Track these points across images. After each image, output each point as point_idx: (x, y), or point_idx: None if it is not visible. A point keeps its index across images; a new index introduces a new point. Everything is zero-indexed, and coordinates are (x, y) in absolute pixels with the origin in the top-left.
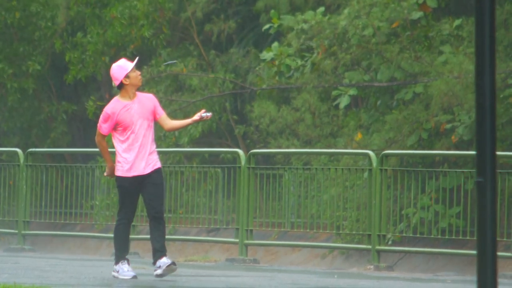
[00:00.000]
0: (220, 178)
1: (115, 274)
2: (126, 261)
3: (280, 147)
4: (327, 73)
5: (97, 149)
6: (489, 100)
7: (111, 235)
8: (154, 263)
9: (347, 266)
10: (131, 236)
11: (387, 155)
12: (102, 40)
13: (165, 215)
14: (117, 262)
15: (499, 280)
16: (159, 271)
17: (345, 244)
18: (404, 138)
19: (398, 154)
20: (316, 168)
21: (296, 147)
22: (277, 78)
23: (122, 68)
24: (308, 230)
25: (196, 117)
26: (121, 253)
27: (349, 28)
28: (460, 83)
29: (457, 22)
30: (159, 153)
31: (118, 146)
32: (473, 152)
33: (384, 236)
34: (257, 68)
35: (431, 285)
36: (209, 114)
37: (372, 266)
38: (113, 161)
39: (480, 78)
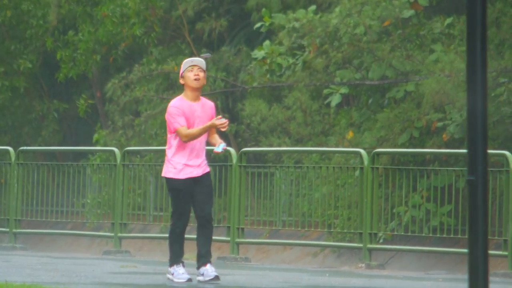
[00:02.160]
0: (211, 177)
1: (170, 276)
2: (181, 264)
3: (271, 146)
4: (319, 71)
5: (87, 147)
6: (480, 98)
7: (102, 233)
8: (198, 268)
9: (339, 264)
10: (122, 235)
11: (378, 154)
12: (94, 38)
13: (157, 213)
14: (171, 265)
15: (490, 278)
16: (201, 278)
17: (336, 243)
18: (396, 136)
19: (389, 153)
20: (307, 167)
21: (287, 146)
22: (268, 76)
23: (183, 65)
24: (299, 229)
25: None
26: (176, 257)
27: (341, 26)
28: (451, 82)
29: (449, 20)
30: (151, 151)
31: (173, 147)
32: (464, 151)
33: (376, 234)
34: (248, 67)
35: (423, 284)
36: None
37: (363, 265)
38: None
39: (472, 76)
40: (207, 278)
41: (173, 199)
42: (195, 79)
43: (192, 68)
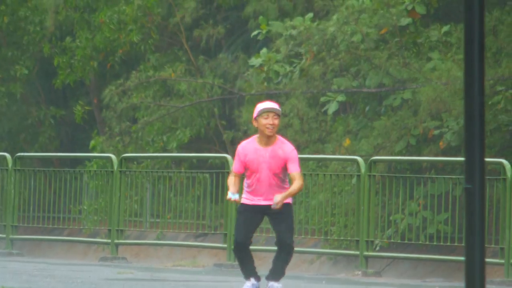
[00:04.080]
0: (208, 183)
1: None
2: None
3: None
4: (316, 79)
5: (84, 154)
6: (478, 106)
7: (99, 239)
8: (267, 279)
9: (335, 271)
10: (119, 241)
11: (375, 161)
12: (91, 44)
13: (153, 220)
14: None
15: (487, 286)
16: None
17: (333, 250)
18: (392, 144)
19: (386, 160)
20: (304, 174)
21: None
22: (265, 84)
23: (257, 108)
24: (296, 236)
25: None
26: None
27: (338, 34)
28: (448, 90)
29: (446, 28)
30: (148, 157)
31: (245, 183)
32: (461, 159)
33: (372, 242)
34: (245, 74)
35: None
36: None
37: (360, 272)
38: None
39: (469, 84)
40: None
41: None
42: (268, 128)
43: (268, 115)
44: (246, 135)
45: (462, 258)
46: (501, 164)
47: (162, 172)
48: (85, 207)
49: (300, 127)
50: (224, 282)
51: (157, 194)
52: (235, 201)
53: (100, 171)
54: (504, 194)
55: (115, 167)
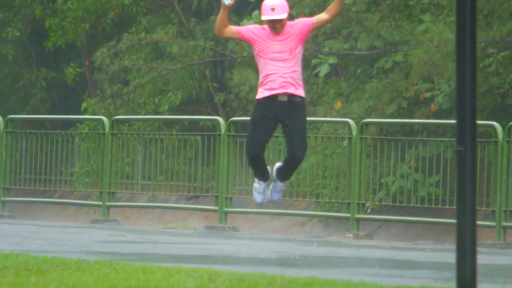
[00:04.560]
0: (199, 146)
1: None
2: (258, 180)
3: None
4: (307, 41)
5: (76, 116)
6: (469, 69)
7: (90, 202)
8: (274, 175)
9: (326, 234)
10: (110, 203)
11: (366, 124)
12: (82, 6)
13: (145, 182)
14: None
15: (478, 249)
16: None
17: (324, 212)
18: (384, 106)
19: (377, 123)
20: None
21: None
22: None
23: (262, 6)
24: (287, 198)
25: None
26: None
27: None
28: (440, 52)
29: None
30: (140, 120)
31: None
32: (453, 121)
33: (363, 204)
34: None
35: (410, 254)
36: None
37: (351, 234)
38: None
39: (461, 47)
40: (276, 188)
41: None
42: (276, 30)
43: (272, 23)
44: (238, 97)
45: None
46: (492, 126)
47: (154, 134)
48: (77, 170)
49: None
50: (215, 245)
51: (148, 156)
52: (228, 5)
53: (92, 133)
54: (495, 156)
55: (107, 129)
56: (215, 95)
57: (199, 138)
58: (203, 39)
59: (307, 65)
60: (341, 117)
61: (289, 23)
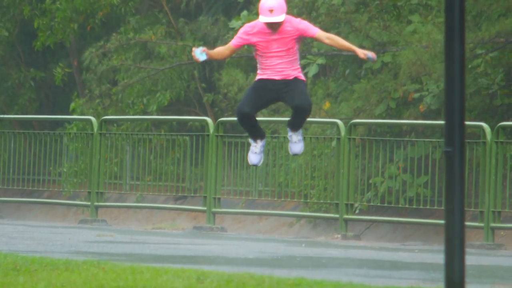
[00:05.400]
0: (188, 146)
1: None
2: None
3: None
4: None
5: (64, 116)
6: (458, 70)
7: (79, 202)
8: (288, 126)
9: (315, 234)
10: (98, 204)
11: (355, 124)
12: (71, 7)
13: (133, 182)
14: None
15: (466, 250)
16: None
17: (312, 213)
18: (372, 107)
19: (366, 123)
20: (284, 137)
21: (264, 116)
22: (245, 46)
23: (259, 6)
24: (275, 199)
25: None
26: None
27: None
28: (428, 53)
29: None
30: (128, 120)
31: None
32: (441, 122)
33: (352, 205)
34: (225, 36)
35: (398, 254)
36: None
37: (339, 235)
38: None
39: (450, 47)
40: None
41: None
42: (272, 29)
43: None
44: (227, 98)
45: (442, 222)
46: (480, 127)
47: (142, 134)
48: (65, 170)
49: None
50: (203, 245)
51: (137, 156)
52: (197, 61)
53: (80, 133)
54: (483, 157)
55: (95, 129)
56: (203, 95)
57: (187, 138)
58: (192, 39)
59: None
60: (329, 117)
61: (287, 18)
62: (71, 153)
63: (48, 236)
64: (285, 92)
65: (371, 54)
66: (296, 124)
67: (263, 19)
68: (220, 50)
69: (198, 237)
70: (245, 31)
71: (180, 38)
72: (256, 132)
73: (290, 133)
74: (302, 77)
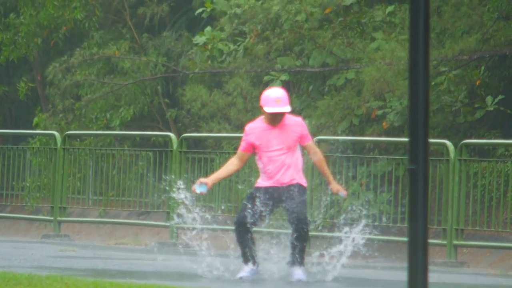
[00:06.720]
0: (151, 161)
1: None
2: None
3: (211, 131)
4: (259, 58)
5: (28, 131)
6: (422, 87)
7: (42, 217)
8: (289, 264)
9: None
10: (61, 219)
11: (318, 141)
12: (35, 21)
13: (96, 197)
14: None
15: (430, 267)
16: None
17: (275, 230)
18: (336, 123)
19: (329, 140)
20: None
21: (227, 132)
22: (209, 62)
23: (264, 97)
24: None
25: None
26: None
27: (282, 13)
28: (391, 70)
29: (390, 8)
30: (92, 135)
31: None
32: (404, 139)
33: (315, 222)
34: (189, 52)
35: (362, 272)
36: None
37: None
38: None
39: (414, 65)
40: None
41: None
42: (275, 121)
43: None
44: (190, 113)
45: (405, 239)
46: (444, 145)
47: (105, 149)
48: (28, 184)
49: (243, 106)
50: (166, 261)
51: (100, 171)
52: (200, 193)
53: (43, 148)
54: (447, 175)
55: (58, 144)
56: (167, 111)
57: (150, 153)
58: (155, 54)
59: (259, 81)
60: None
61: (299, 120)
62: (34, 168)
63: (10, 251)
64: (284, 199)
65: (342, 193)
66: (300, 252)
67: (270, 109)
68: (229, 166)
69: (161, 253)
70: (251, 133)
71: (144, 54)
72: (249, 251)
73: (294, 271)
74: (305, 183)
